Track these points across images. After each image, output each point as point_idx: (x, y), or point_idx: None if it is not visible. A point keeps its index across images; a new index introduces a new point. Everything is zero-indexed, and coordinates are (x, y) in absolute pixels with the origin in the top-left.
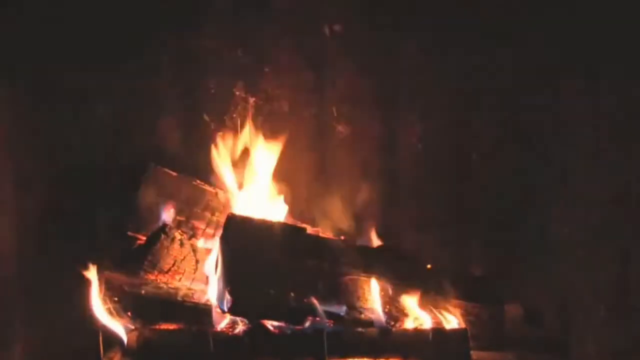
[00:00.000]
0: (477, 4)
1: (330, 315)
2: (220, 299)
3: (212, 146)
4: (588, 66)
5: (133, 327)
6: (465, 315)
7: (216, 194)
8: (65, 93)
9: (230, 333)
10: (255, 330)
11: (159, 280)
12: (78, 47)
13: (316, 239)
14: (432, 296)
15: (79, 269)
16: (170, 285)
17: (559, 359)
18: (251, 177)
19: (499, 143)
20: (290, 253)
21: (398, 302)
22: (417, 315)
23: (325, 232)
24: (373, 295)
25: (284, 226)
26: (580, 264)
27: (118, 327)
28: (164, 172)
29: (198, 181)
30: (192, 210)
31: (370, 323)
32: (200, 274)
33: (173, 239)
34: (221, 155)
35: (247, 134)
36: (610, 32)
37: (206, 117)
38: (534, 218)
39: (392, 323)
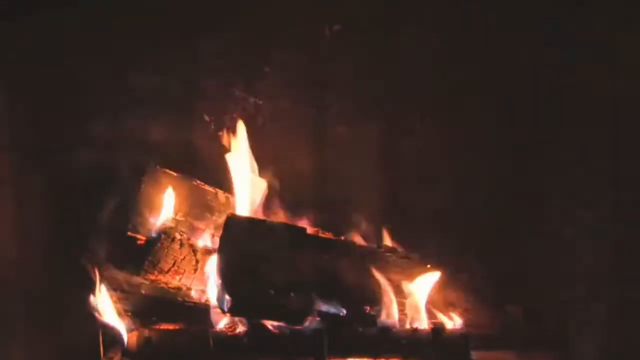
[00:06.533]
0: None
1: (330, 315)
2: (220, 299)
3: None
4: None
5: (133, 327)
6: (465, 315)
7: (216, 194)
8: (65, 93)
9: (230, 333)
10: (255, 330)
11: (159, 280)
12: (78, 47)
13: (316, 238)
14: (432, 296)
15: (79, 269)
16: (170, 285)
17: (558, 359)
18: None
19: (501, 144)
20: (290, 253)
21: (398, 301)
22: (417, 315)
23: (324, 232)
24: (373, 294)
25: (284, 226)
26: (580, 264)
27: (118, 327)
28: (164, 172)
29: (198, 181)
30: (192, 210)
31: (370, 323)
32: (200, 274)
33: (173, 239)
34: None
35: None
36: None
37: (206, 117)
38: (533, 218)
39: (392, 323)
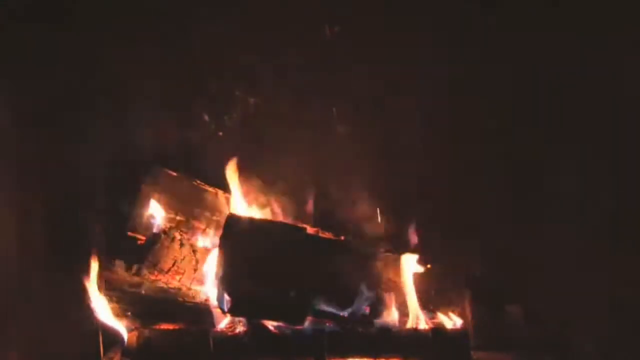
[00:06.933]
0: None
1: (330, 315)
2: (220, 299)
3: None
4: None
5: (133, 327)
6: (466, 315)
7: (216, 194)
8: (66, 94)
9: (230, 333)
10: (255, 330)
11: (159, 280)
12: (79, 49)
13: (316, 238)
14: (432, 296)
15: (80, 269)
16: (170, 285)
17: (559, 359)
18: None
19: (500, 144)
20: (290, 253)
21: (398, 301)
22: (417, 315)
23: (324, 232)
24: (373, 295)
25: (284, 226)
26: (580, 265)
27: (118, 327)
28: (164, 172)
29: (198, 181)
30: (192, 210)
31: (370, 323)
32: (200, 274)
33: (173, 239)
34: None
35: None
36: None
37: (206, 117)
38: (534, 219)
39: (392, 323)
